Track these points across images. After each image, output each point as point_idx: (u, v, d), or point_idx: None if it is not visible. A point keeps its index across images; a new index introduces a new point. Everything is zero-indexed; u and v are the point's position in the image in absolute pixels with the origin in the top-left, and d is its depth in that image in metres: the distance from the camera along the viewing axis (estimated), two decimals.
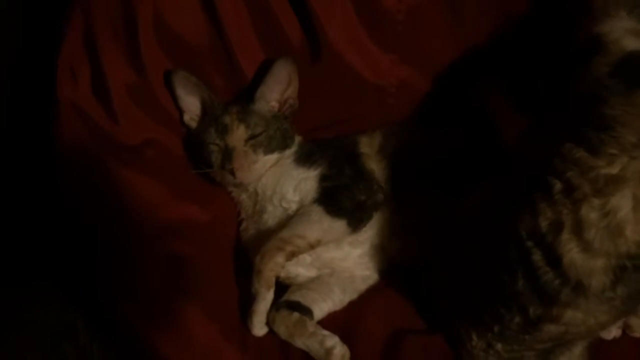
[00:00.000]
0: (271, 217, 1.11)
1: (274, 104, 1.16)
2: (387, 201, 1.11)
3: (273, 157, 1.12)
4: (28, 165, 1.45)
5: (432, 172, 1.12)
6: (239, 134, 1.10)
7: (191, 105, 1.17)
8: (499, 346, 0.90)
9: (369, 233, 1.11)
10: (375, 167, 1.14)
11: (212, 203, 1.14)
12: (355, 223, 1.07)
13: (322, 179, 1.11)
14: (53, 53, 1.11)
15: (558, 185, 0.80)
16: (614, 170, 0.77)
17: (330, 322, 1.03)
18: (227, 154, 1.09)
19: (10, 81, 1.50)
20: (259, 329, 1.01)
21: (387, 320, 1.04)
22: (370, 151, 1.16)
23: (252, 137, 1.10)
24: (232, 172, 1.08)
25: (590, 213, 0.78)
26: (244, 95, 1.19)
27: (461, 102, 1.23)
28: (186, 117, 1.18)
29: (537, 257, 0.81)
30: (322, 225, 1.05)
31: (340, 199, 1.08)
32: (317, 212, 1.06)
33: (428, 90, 1.24)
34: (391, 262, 1.13)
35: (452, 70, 1.22)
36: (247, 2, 1.15)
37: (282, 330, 0.99)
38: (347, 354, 0.95)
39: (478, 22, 1.19)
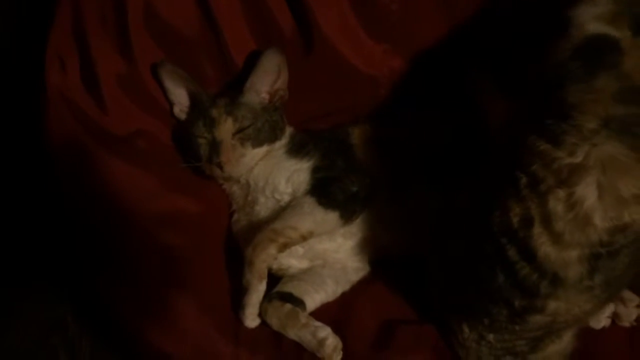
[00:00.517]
0: (263, 208, 1.11)
1: (265, 96, 1.15)
2: (380, 192, 1.11)
3: (262, 149, 1.12)
4: (16, 157, 1.45)
5: (423, 163, 1.12)
6: (226, 127, 1.09)
7: (180, 97, 1.17)
8: (490, 337, 0.91)
9: (362, 225, 1.11)
10: (368, 157, 1.14)
11: (204, 194, 1.14)
12: (348, 215, 1.08)
13: (315, 170, 1.11)
14: (41, 42, 1.10)
15: (524, 180, 0.80)
16: (577, 159, 0.77)
17: (322, 313, 1.03)
18: (215, 147, 1.09)
19: None
20: (252, 320, 1.01)
21: (379, 311, 1.05)
22: (361, 141, 1.16)
23: (240, 130, 1.10)
24: (220, 166, 1.08)
25: (557, 205, 0.78)
26: (233, 87, 1.18)
27: (453, 92, 1.23)
28: (176, 110, 1.18)
29: (512, 252, 0.81)
30: (315, 217, 1.05)
31: (333, 190, 1.08)
32: (310, 203, 1.06)
33: (421, 80, 1.24)
34: (383, 254, 1.13)
35: (444, 61, 1.22)
36: None
37: (274, 322, 0.99)
38: (339, 344, 0.96)
39: (470, 11, 1.18)
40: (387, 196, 1.12)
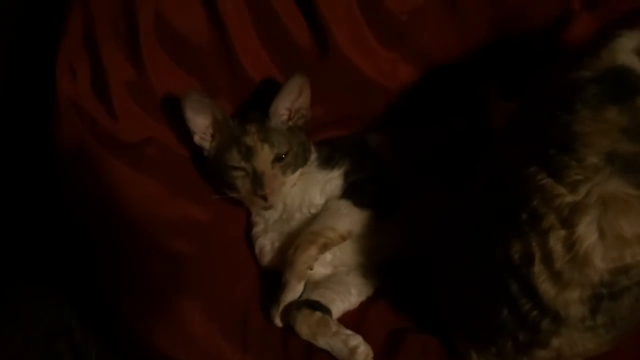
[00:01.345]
0: (298, 222, 1.12)
1: (284, 112, 1.15)
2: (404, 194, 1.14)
3: (298, 173, 1.13)
4: (26, 163, 1.45)
5: (441, 167, 1.14)
6: (264, 156, 1.09)
7: (200, 125, 1.14)
8: None
9: (389, 224, 1.11)
10: (387, 159, 1.17)
11: (212, 202, 1.14)
12: (384, 212, 1.10)
13: (347, 175, 1.13)
14: (53, 50, 1.10)
15: (524, 216, 0.78)
16: (578, 197, 0.75)
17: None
18: (257, 179, 1.08)
19: (10, 78, 1.49)
20: (280, 319, 1.03)
21: (389, 321, 1.06)
22: (375, 145, 1.19)
23: (277, 156, 1.10)
24: (264, 197, 1.08)
25: (557, 244, 0.76)
26: (253, 110, 1.18)
27: (463, 101, 1.25)
28: (196, 138, 1.15)
29: (515, 288, 0.80)
30: (352, 218, 1.08)
31: (367, 189, 1.10)
32: (346, 205, 1.09)
33: (431, 88, 1.26)
34: (401, 257, 1.13)
35: (454, 70, 1.24)
36: (248, 1, 1.16)
37: (304, 330, 0.99)
38: (371, 353, 0.96)
39: (478, 21, 1.21)
40: (405, 197, 1.13)
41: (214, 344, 1.00)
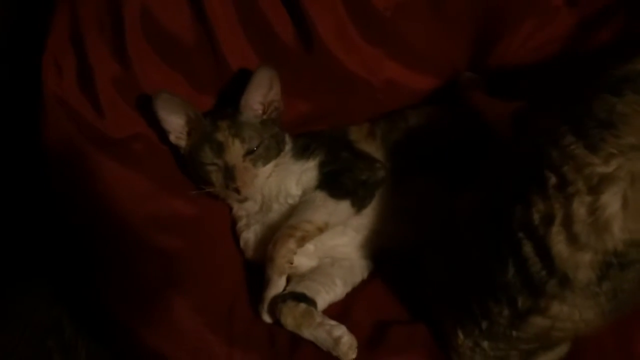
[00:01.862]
0: (277, 214, 1.14)
1: (258, 107, 1.16)
2: (387, 185, 1.14)
3: (271, 164, 1.14)
4: (13, 160, 1.45)
5: (427, 155, 1.15)
6: (235, 150, 1.10)
7: (175, 124, 1.15)
8: (485, 344, 0.92)
9: (371, 217, 1.13)
10: (369, 149, 1.18)
11: (199, 197, 1.15)
12: (359, 202, 1.11)
13: (322, 165, 1.14)
14: (39, 47, 1.10)
15: (553, 180, 0.81)
16: (609, 169, 0.78)
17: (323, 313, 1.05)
18: (229, 173, 1.10)
19: None
20: (268, 315, 1.04)
21: (374, 311, 1.07)
22: (359, 137, 1.20)
23: (249, 151, 1.11)
24: (237, 190, 1.09)
25: (580, 208, 0.79)
26: (226, 104, 1.19)
27: (448, 96, 1.25)
28: (172, 137, 1.16)
29: (528, 248, 0.83)
30: (328, 209, 1.08)
31: (342, 180, 1.11)
32: (321, 197, 1.10)
33: (415, 84, 1.26)
34: (389, 248, 1.15)
35: (438, 64, 1.25)
36: None
37: (289, 322, 1.01)
38: (355, 343, 0.98)
39: (462, 17, 1.22)
40: (392, 188, 1.14)
41: (201, 337, 1.01)
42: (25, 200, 1.43)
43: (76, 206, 1.10)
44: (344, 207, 1.09)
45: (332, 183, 1.11)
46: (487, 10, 1.20)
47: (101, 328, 1.26)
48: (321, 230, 1.07)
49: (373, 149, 1.18)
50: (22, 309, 1.36)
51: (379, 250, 1.15)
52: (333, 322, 1.00)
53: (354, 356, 0.97)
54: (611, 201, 0.77)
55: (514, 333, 0.88)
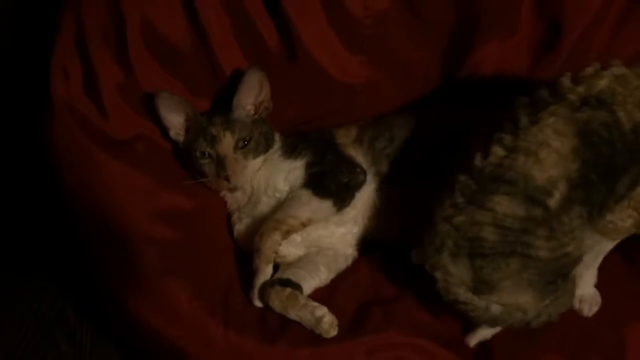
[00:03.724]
0: (265, 206, 1.19)
1: (250, 108, 1.21)
2: (369, 184, 1.20)
3: (260, 159, 1.19)
4: (23, 160, 1.47)
5: (408, 157, 1.20)
6: (226, 142, 1.16)
7: (174, 121, 1.20)
8: (460, 220, 0.96)
9: (353, 213, 1.19)
10: (355, 153, 1.22)
11: (196, 193, 1.19)
12: (340, 202, 1.16)
13: (308, 166, 1.19)
14: (46, 54, 1.13)
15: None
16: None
17: (309, 297, 1.11)
18: (220, 163, 1.15)
19: (4, 82, 1.53)
20: (259, 300, 1.09)
21: (358, 295, 1.12)
22: (347, 141, 1.24)
23: (238, 142, 1.16)
24: (227, 179, 1.15)
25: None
26: (222, 106, 1.23)
27: (427, 100, 1.30)
28: (172, 133, 1.21)
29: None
30: (311, 206, 1.14)
31: (326, 182, 1.16)
32: (306, 195, 1.15)
33: (394, 89, 1.31)
34: (371, 240, 1.21)
35: (415, 71, 1.29)
36: (227, 9, 1.19)
37: (276, 304, 1.07)
38: (335, 321, 1.03)
39: (439, 26, 1.25)
40: (376, 187, 1.20)
41: (199, 320, 1.05)
42: (33, 198, 1.48)
43: (82, 202, 1.12)
44: (326, 206, 1.15)
45: (317, 183, 1.16)
46: (461, 19, 1.23)
47: (104, 316, 1.30)
48: (304, 225, 1.13)
49: (359, 154, 1.22)
50: (28, 302, 1.40)
51: (362, 242, 1.21)
52: (316, 304, 1.05)
53: (334, 333, 1.03)
54: None
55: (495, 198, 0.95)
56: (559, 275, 0.98)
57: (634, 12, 1.20)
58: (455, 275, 0.97)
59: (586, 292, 1.10)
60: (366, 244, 1.22)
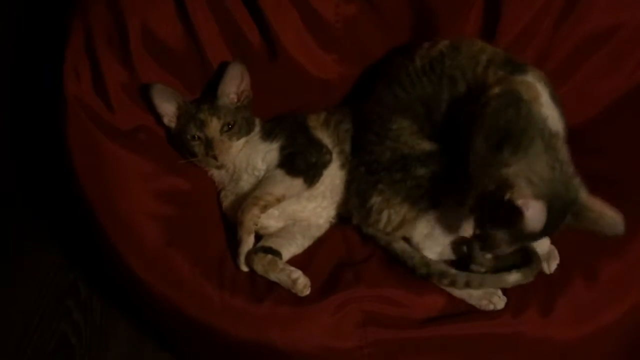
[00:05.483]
0: (246, 184, 1.27)
1: (233, 96, 1.28)
2: (335, 161, 1.29)
3: (243, 140, 1.27)
4: (36, 152, 1.58)
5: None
6: (213, 126, 1.24)
7: (167, 110, 1.27)
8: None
9: (321, 188, 1.28)
10: (322, 135, 1.31)
11: (192, 175, 1.27)
12: (310, 180, 1.25)
13: (282, 148, 1.27)
14: (58, 57, 1.20)
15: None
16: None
17: (290, 262, 1.19)
18: (208, 143, 1.23)
19: (20, 82, 1.62)
20: (245, 266, 1.17)
21: (331, 260, 1.21)
22: (316, 124, 1.33)
23: (224, 126, 1.24)
24: (215, 157, 1.23)
25: None
26: (208, 94, 1.29)
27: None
28: (165, 120, 1.28)
29: None
30: (285, 184, 1.23)
31: (297, 162, 1.24)
32: (280, 174, 1.24)
33: (365, 82, 1.37)
34: (341, 211, 1.30)
35: (384, 67, 1.31)
36: (215, 15, 1.26)
37: (259, 268, 1.15)
38: (308, 282, 1.12)
39: (401, 26, 1.33)
40: (339, 165, 1.29)
41: (198, 283, 1.13)
42: (50, 184, 1.54)
43: (94, 185, 1.18)
44: (297, 183, 1.23)
45: (289, 163, 1.24)
46: (422, 19, 1.30)
47: (113, 287, 1.38)
48: (279, 200, 1.21)
49: (326, 135, 1.30)
50: (41, 275, 1.48)
51: (331, 214, 1.30)
52: (292, 268, 1.13)
53: (307, 292, 1.11)
54: None
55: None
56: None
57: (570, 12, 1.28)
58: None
59: (543, 250, 1.13)
60: (338, 216, 1.30)
